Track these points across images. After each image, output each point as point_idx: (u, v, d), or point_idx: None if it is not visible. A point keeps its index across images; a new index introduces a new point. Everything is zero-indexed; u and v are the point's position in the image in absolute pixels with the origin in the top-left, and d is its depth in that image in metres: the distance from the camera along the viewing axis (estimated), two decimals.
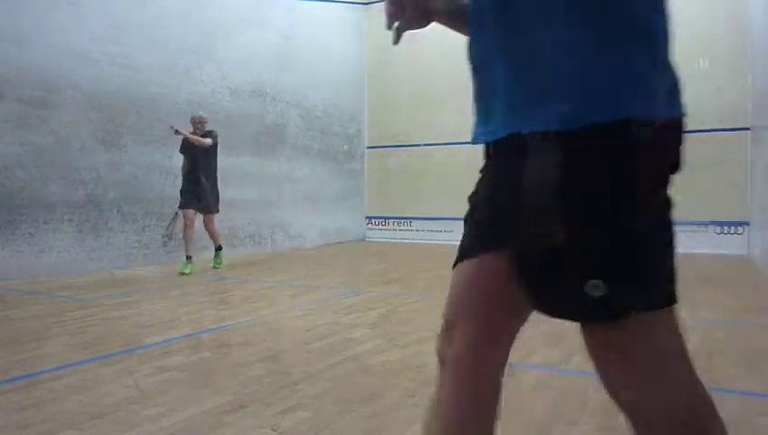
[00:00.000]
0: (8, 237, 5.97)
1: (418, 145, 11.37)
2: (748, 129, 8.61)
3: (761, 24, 7.31)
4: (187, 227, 6.64)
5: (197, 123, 6.82)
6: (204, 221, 6.86)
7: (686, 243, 8.93)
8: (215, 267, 6.97)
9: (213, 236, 6.98)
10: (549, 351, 3.25)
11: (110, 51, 6.98)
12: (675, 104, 0.99)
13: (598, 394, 2.51)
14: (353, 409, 2.43)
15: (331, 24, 11.28)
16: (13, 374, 2.86)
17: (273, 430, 2.18)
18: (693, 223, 8.93)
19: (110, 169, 6.94)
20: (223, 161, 8.80)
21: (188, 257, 6.56)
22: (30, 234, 6.16)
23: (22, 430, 2.18)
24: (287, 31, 10.02)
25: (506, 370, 1.19)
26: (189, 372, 2.92)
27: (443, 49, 11.27)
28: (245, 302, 4.94)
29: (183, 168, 6.87)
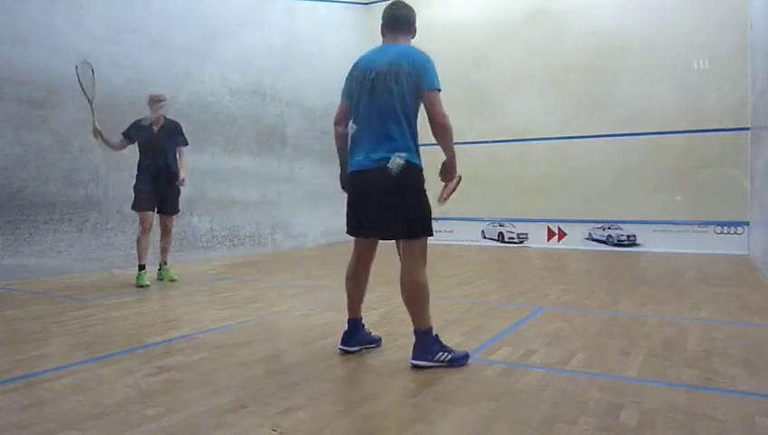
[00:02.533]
0: (8, 237, 5.97)
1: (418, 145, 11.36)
2: (748, 129, 8.61)
3: (761, 24, 7.31)
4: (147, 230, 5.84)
5: (158, 103, 5.85)
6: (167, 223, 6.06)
7: (686, 243, 8.95)
8: (172, 280, 6.04)
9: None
10: (549, 351, 3.25)
11: (110, 51, 6.97)
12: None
13: (598, 394, 2.51)
14: (353, 409, 2.43)
15: (331, 24, 11.27)
16: (13, 374, 2.86)
17: (273, 430, 2.17)
18: (693, 223, 8.92)
19: (109, 169, 6.94)
20: (223, 161, 8.80)
21: (144, 266, 5.79)
22: (30, 234, 6.16)
23: (22, 429, 2.18)
24: (287, 31, 10.02)
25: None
26: (189, 372, 2.92)
27: (443, 49, 11.27)
28: (245, 302, 4.94)
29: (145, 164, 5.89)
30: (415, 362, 2.93)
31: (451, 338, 3.57)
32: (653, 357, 3.14)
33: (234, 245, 8.82)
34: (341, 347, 3.26)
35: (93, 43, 6.80)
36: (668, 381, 2.75)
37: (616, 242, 9.56)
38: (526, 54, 10.30)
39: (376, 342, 3.39)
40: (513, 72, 10.43)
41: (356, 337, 3.28)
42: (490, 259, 8.51)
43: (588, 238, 9.87)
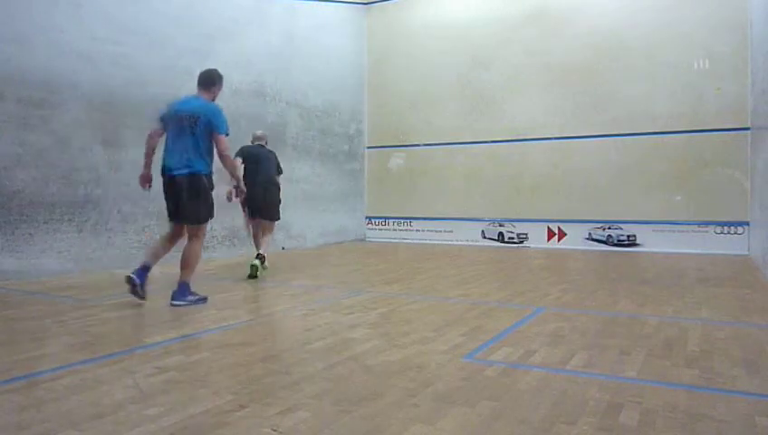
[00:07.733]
0: (8, 237, 5.97)
1: (418, 145, 11.37)
2: (748, 129, 8.61)
3: (761, 23, 7.31)
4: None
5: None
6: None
7: (686, 243, 8.96)
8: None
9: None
10: (549, 351, 3.25)
11: (110, 51, 6.97)
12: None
13: (598, 394, 2.51)
14: (353, 409, 2.43)
15: (331, 24, 11.27)
16: (13, 374, 2.86)
17: (273, 430, 2.17)
18: (693, 223, 8.92)
19: (110, 169, 6.94)
20: None
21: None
22: (30, 234, 6.16)
23: (22, 429, 2.18)
24: (287, 31, 10.02)
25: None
26: (189, 372, 2.92)
27: (442, 49, 11.27)
28: (245, 302, 4.94)
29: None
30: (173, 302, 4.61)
31: (451, 338, 3.58)
32: (653, 357, 3.14)
33: (234, 245, 8.81)
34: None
35: (93, 42, 6.80)
36: (668, 381, 2.75)
37: (616, 242, 9.56)
38: (526, 54, 10.30)
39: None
40: (512, 72, 10.43)
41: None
42: (490, 259, 8.51)
43: (588, 238, 9.87)
